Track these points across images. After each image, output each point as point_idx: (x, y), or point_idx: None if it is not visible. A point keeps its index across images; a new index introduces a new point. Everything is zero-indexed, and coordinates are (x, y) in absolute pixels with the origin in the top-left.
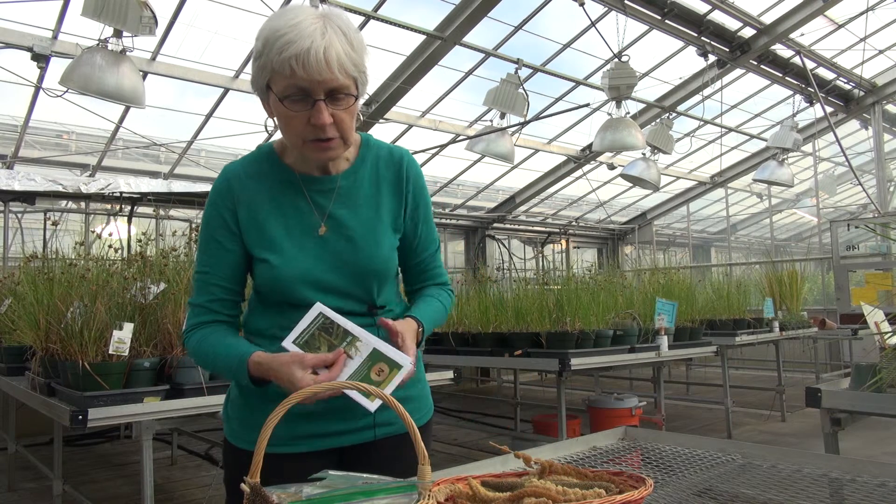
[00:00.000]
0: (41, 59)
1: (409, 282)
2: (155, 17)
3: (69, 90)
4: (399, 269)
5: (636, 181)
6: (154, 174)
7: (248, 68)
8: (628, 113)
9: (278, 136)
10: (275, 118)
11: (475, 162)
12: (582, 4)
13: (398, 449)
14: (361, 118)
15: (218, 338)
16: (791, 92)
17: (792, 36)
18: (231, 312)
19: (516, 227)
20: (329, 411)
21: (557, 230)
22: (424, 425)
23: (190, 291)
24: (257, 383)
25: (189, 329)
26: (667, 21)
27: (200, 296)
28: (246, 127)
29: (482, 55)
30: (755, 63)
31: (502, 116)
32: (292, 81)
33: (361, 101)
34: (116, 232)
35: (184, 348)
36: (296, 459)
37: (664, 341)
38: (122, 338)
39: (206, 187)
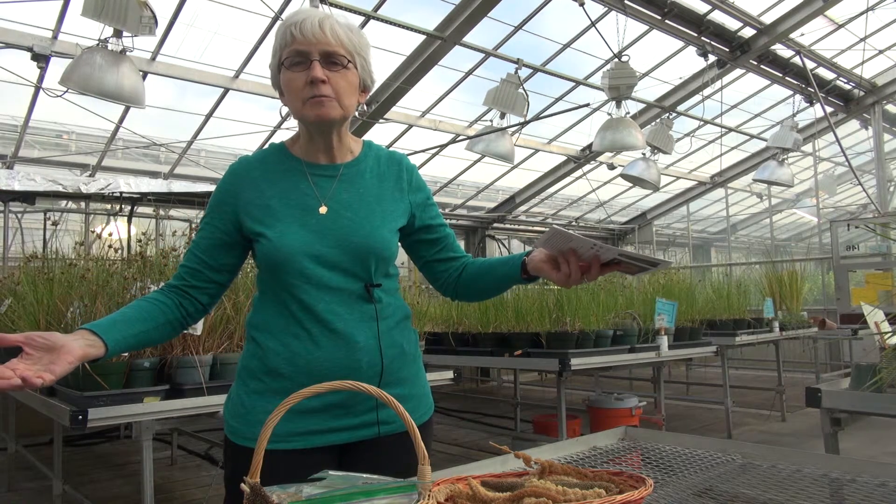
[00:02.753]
0: (41, 59)
1: (445, 264)
2: (155, 17)
3: (69, 90)
4: (430, 262)
5: (636, 181)
6: (154, 174)
7: (249, 68)
8: (628, 113)
9: (278, 137)
10: (285, 100)
11: (475, 162)
12: (582, 4)
13: (401, 446)
14: (366, 108)
15: (134, 305)
16: (791, 92)
17: (792, 36)
18: (192, 282)
19: (516, 227)
20: (330, 407)
21: None
22: (425, 424)
23: None
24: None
25: (164, 285)
26: (667, 21)
27: (185, 259)
28: (246, 127)
29: (482, 55)
30: (755, 63)
31: (502, 116)
32: (293, 48)
33: (362, 85)
34: (116, 232)
35: (183, 347)
36: (297, 456)
37: (664, 341)
38: None
39: (206, 187)
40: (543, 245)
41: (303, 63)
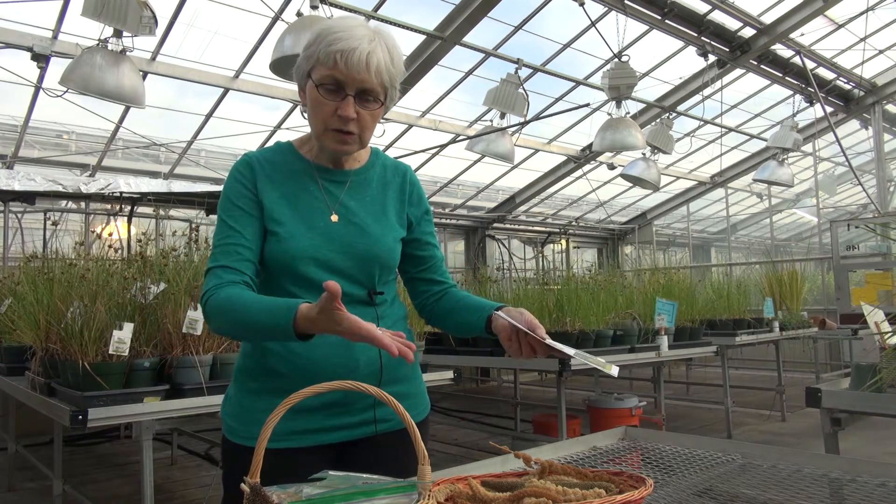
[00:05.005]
0: (41, 59)
1: (426, 286)
2: (155, 17)
3: (69, 90)
4: (412, 279)
5: (636, 181)
6: (154, 174)
7: (249, 68)
8: (628, 113)
9: (278, 137)
10: (306, 105)
11: (475, 162)
12: (582, 4)
13: (399, 444)
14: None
15: (255, 294)
16: (791, 92)
17: (792, 36)
18: (255, 278)
19: (516, 227)
20: (327, 406)
21: (557, 230)
22: (421, 422)
23: (190, 291)
24: (299, 334)
25: (215, 286)
26: (667, 21)
27: (225, 258)
28: (246, 127)
29: (482, 55)
30: (755, 63)
31: (502, 116)
32: (332, 73)
33: (384, 111)
34: (116, 232)
35: (183, 347)
36: (295, 454)
37: (664, 341)
38: (122, 338)
39: (207, 187)
40: (513, 320)
41: (337, 92)
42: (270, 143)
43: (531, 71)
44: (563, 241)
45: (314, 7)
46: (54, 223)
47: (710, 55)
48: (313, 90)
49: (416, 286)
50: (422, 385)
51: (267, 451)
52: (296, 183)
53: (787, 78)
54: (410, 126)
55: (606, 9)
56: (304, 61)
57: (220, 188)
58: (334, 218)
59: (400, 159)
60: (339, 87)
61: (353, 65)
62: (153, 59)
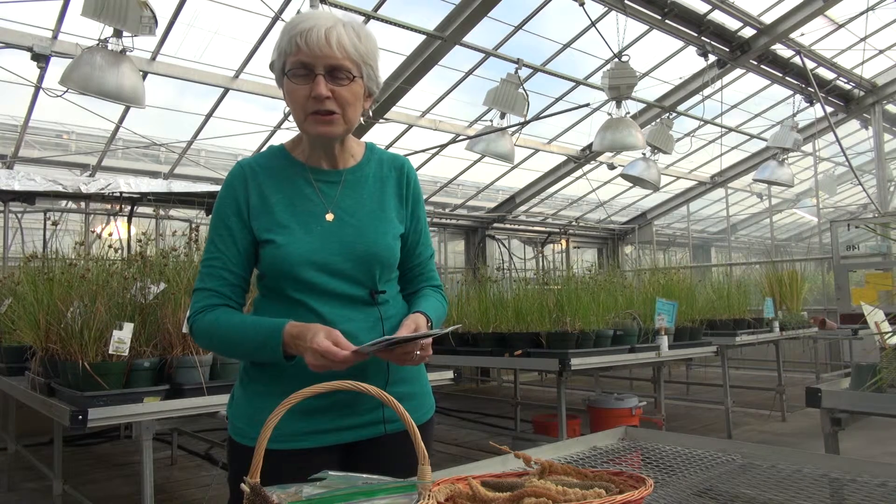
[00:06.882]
0: (41, 59)
1: (407, 284)
2: (155, 16)
3: (69, 90)
4: (399, 274)
5: (636, 181)
6: (154, 174)
7: (249, 68)
8: (628, 113)
9: (278, 137)
10: (288, 102)
11: (475, 162)
12: (582, 4)
13: (407, 444)
14: (370, 113)
15: (240, 315)
16: (791, 92)
17: (792, 36)
18: (240, 300)
19: (516, 227)
20: (336, 406)
21: (557, 230)
22: (426, 423)
23: (190, 291)
24: (285, 356)
25: (198, 311)
26: (667, 21)
27: (210, 281)
28: (246, 127)
29: (482, 55)
30: (755, 63)
31: (502, 116)
32: (297, 58)
33: (367, 92)
34: (116, 232)
35: (183, 347)
36: (305, 455)
37: (664, 341)
38: (122, 338)
39: (206, 187)
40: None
41: (307, 75)
42: (272, 142)
43: (531, 71)
44: (563, 241)
45: (314, 7)
46: (54, 223)
47: (710, 55)
48: (286, 81)
49: (401, 283)
50: (427, 385)
51: (279, 452)
52: (290, 186)
53: (787, 78)
54: (410, 126)
55: (606, 9)
56: (277, 59)
57: (219, 188)
58: (329, 217)
59: None
60: (307, 70)
61: (313, 42)
62: (153, 59)
